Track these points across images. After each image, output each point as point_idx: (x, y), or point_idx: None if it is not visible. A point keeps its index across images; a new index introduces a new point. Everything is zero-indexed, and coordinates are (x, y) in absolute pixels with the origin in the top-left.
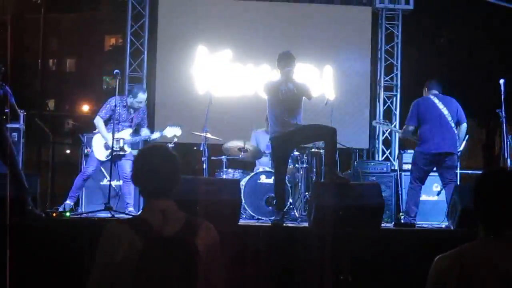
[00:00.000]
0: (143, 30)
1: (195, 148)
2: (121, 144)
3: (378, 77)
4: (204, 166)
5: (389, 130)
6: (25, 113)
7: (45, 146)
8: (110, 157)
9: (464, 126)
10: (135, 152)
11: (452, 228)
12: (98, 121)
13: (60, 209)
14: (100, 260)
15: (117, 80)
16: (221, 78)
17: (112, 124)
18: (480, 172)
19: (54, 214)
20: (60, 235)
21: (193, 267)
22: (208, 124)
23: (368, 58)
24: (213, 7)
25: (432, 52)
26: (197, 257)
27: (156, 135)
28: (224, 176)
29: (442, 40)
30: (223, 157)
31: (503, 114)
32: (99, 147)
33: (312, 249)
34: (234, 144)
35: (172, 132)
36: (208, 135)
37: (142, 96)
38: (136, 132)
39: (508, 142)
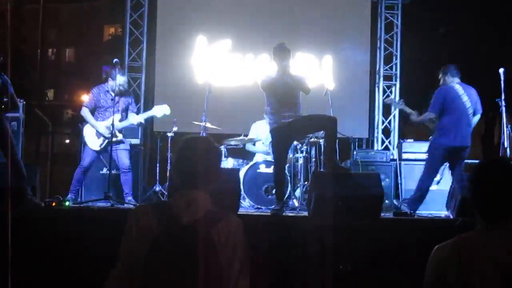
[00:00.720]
0: (142, 20)
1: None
2: (106, 132)
3: (378, 67)
4: None
5: (389, 119)
6: (24, 103)
7: (44, 136)
8: (103, 145)
9: (477, 117)
10: (136, 141)
11: (451, 217)
12: (84, 111)
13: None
14: (125, 242)
15: (117, 69)
16: (221, 68)
17: (99, 113)
18: (479, 161)
19: (53, 204)
20: (59, 225)
21: (204, 254)
22: (207, 113)
23: (368, 47)
24: None
25: (431, 42)
26: (210, 246)
27: (144, 115)
28: (223, 165)
29: (442, 30)
30: (223, 146)
31: (503, 103)
32: (91, 137)
33: (311, 238)
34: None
35: (160, 110)
36: (208, 124)
37: (121, 78)
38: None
39: (508, 132)
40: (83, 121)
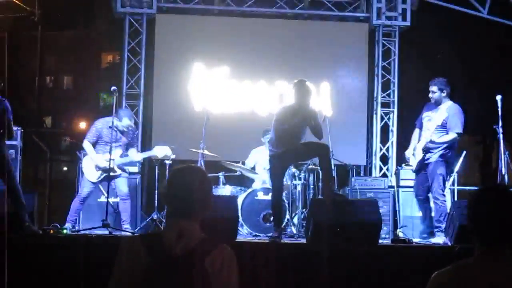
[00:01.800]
0: (140, 47)
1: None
2: (112, 165)
3: (375, 94)
4: None
5: (387, 146)
6: (22, 130)
7: (42, 163)
8: (101, 178)
9: None
10: (134, 169)
11: (449, 244)
12: (86, 145)
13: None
14: (115, 274)
15: (114, 97)
16: (218, 95)
17: (100, 145)
18: (477, 188)
19: (51, 231)
20: (57, 252)
21: (197, 285)
22: (205, 140)
23: (365, 74)
24: (210, 24)
25: (429, 68)
26: (203, 277)
27: (144, 155)
28: (221, 193)
29: (439, 56)
30: (221, 173)
31: (500, 131)
32: (90, 169)
33: (309, 265)
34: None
35: (162, 151)
36: (205, 151)
37: (127, 121)
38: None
39: (506, 158)
40: (82, 149)
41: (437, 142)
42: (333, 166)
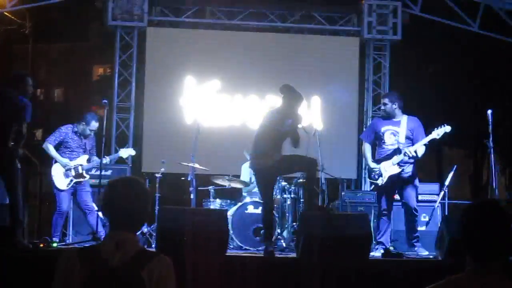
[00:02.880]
0: (131, 61)
1: (182, 178)
2: (80, 171)
3: (366, 108)
4: (192, 196)
5: None
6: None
7: (32, 176)
8: (70, 184)
9: None
10: (96, 181)
11: (440, 258)
12: (47, 146)
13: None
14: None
15: (105, 110)
16: (209, 109)
17: (63, 151)
18: (468, 202)
19: (41, 245)
20: (47, 265)
21: None
22: (196, 154)
23: (356, 88)
24: (201, 38)
25: (420, 83)
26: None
27: (111, 157)
28: (211, 207)
29: (430, 71)
30: (211, 187)
31: (491, 145)
32: (59, 176)
33: (300, 279)
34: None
35: (126, 152)
36: (196, 165)
37: (95, 124)
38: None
39: (496, 173)
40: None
41: (418, 155)
42: (323, 180)
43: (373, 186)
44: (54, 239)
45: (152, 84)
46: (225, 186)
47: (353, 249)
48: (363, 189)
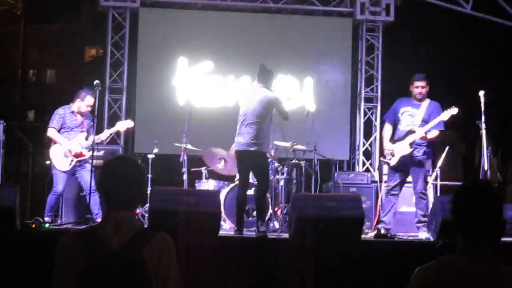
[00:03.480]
0: (123, 41)
1: (181, 161)
2: (79, 150)
3: (359, 89)
4: (184, 177)
5: (370, 141)
6: (4, 124)
7: (24, 157)
8: (72, 164)
9: None
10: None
11: (431, 239)
12: (52, 132)
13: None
14: (56, 273)
15: (97, 91)
16: (202, 90)
17: (63, 132)
18: (460, 183)
19: (33, 226)
20: (38, 246)
21: (137, 277)
22: (188, 135)
23: (349, 69)
24: (194, 19)
25: (412, 64)
26: (143, 269)
27: (110, 131)
28: (204, 187)
29: (423, 52)
30: (203, 168)
31: (483, 126)
32: (58, 158)
33: (292, 260)
34: (216, 150)
35: (124, 125)
36: (189, 146)
37: (90, 99)
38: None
39: (488, 154)
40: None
41: (428, 138)
42: (316, 161)
43: (365, 166)
44: (46, 218)
45: (145, 65)
46: (217, 167)
47: (345, 230)
48: (355, 170)
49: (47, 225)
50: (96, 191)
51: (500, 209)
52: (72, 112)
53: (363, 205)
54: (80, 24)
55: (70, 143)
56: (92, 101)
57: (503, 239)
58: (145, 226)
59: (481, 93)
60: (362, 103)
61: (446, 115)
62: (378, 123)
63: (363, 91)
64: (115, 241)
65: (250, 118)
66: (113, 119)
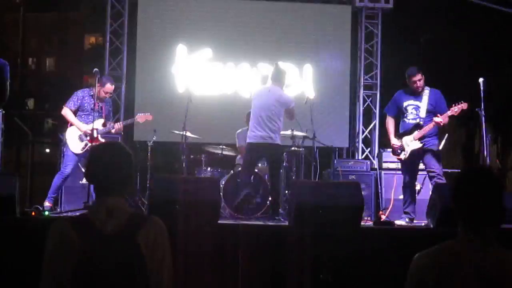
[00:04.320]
0: (122, 29)
1: (180, 149)
2: (95, 135)
3: (358, 76)
4: (184, 164)
5: (369, 128)
6: (3, 112)
7: (24, 145)
8: (85, 148)
9: None
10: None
11: (431, 226)
12: (66, 111)
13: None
14: (47, 260)
15: (96, 79)
16: (201, 77)
17: (81, 115)
18: (459, 170)
19: (33, 213)
20: (38, 234)
21: (133, 263)
22: (188, 122)
23: (348, 56)
24: (193, 6)
25: (412, 51)
26: (137, 253)
27: (128, 121)
28: (203, 175)
29: (422, 39)
30: (203, 155)
31: (483, 113)
32: (73, 140)
33: (292, 248)
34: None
35: (143, 118)
36: (188, 133)
37: (109, 87)
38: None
39: (488, 142)
40: (63, 129)
41: (442, 124)
42: (315, 149)
43: (365, 154)
44: (46, 203)
45: (144, 52)
46: (218, 153)
47: (344, 218)
48: (355, 158)
49: (46, 213)
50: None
51: (501, 195)
52: (92, 95)
53: (363, 193)
54: (79, 12)
55: (82, 125)
56: (111, 88)
57: (504, 225)
58: (137, 211)
59: (481, 80)
60: (362, 91)
61: (457, 110)
62: (377, 111)
63: (362, 79)
64: (108, 227)
65: (267, 114)
66: (113, 107)
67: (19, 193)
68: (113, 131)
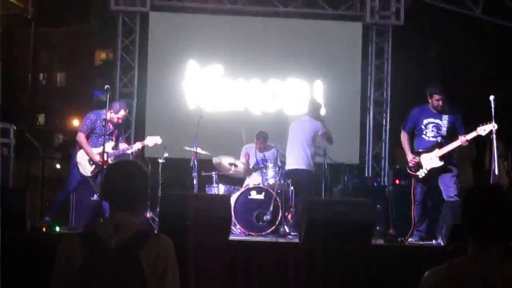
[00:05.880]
0: (133, 46)
1: (191, 165)
2: (106, 158)
3: (368, 92)
4: (195, 181)
5: (380, 145)
6: (15, 128)
7: (35, 160)
8: (95, 172)
9: None
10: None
11: (442, 244)
12: (81, 137)
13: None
14: (55, 272)
15: (108, 95)
16: (212, 93)
17: (92, 138)
18: (471, 186)
19: (43, 229)
20: (48, 250)
21: (133, 278)
22: (199, 139)
23: (359, 73)
24: (204, 22)
25: (422, 67)
26: (139, 270)
27: (137, 146)
28: (214, 192)
29: (432, 55)
30: (214, 172)
31: (494, 131)
32: (84, 163)
33: (302, 265)
34: (224, 159)
35: (152, 140)
36: (199, 150)
37: (123, 113)
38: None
39: (498, 158)
40: (76, 147)
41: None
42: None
43: (376, 171)
44: (46, 217)
45: (155, 69)
46: (228, 171)
47: (355, 235)
48: (365, 175)
49: (57, 228)
50: (101, 196)
51: (511, 211)
52: (104, 119)
53: (373, 210)
54: (91, 27)
55: (93, 152)
56: (124, 114)
57: None
58: (146, 229)
59: (491, 98)
60: (372, 107)
61: (485, 129)
62: (388, 127)
63: (372, 95)
64: (113, 242)
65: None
66: (124, 124)
67: (29, 208)
68: (128, 152)
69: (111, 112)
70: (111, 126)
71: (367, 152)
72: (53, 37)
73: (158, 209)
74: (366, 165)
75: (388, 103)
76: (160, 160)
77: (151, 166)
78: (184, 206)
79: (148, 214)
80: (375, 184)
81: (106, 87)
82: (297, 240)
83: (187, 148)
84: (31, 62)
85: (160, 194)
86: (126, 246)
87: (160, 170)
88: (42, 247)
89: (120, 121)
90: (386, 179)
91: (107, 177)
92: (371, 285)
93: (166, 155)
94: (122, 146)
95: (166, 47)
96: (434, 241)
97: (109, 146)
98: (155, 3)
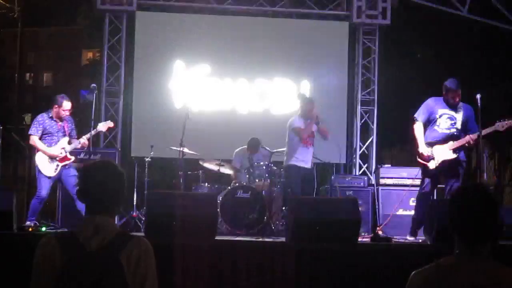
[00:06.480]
0: (120, 45)
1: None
2: (63, 154)
3: (356, 92)
4: (181, 180)
5: (367, 144)
6: (1, 127)
7: (21, 160)
8: (57, 169)
9: None
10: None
11: (428, 243)
12: (34, 139)
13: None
14: (34, 274)
15: (94, 94)
16: (199, 93)
17: (45, 138)
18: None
19: (30, 229)
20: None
21: (113, 281)
22: (185, 138)
23: (345, 72)
24: (190, 22)
25: (409, 67)
26: (119, 272)
27: (91, 133)
28: (200, 190)
29: (419, 55)
30: (200, 171)
31: (480, 129)
32: (44, 164)
33: (289, 264)
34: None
35: (105, 125)
36: (185, 149)
37: (67, 104)
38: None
39: (485, 158)
40: (32, 151)
41: (473, 143)
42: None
43: (362, 170)
44: (28, 223)
45: (141, 68)
46: (215, 169)
47: (341, 234)
48: (352, 174)
49: (44, 228)
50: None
51: (496, 210)
52: (51, 117)
53: (360, 209)
54: (77, 27)
55: (52, 150)
56: (69, 105)
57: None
58: (125, 231)
59: (478, 97)
60: (359, 106)
61: (503, 125)
62: (375, 127)
63: (359, 94)
64: (93, 244)
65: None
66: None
67: (16, 208)
68: (79, 146)
69: (55, 107)
70: (60, 123)
71: (354, 151)
72: (40, 37)
73: (145, 208)
74: (353, 164)
75: (375, 103)
76: (147, 159)
77: (138, 166)
78: (170, 206)
79: (135, 213)
80: (362, 183)
81: (92, 85)
82: (283, 239)
83: (174, 148)
84: (18, 62)
85: (146, 194)
86: (106, 248)
87: (146, 169)
88: (29, 247)
89: (67, 113)
90: (373, 179)
91: (83, 179)
92: (358, 284)
93: (152, 154)
94: (75, 141)
95: (153, 47)
96: (421, 240)
97: (64, 141)
98: (141, 2)
